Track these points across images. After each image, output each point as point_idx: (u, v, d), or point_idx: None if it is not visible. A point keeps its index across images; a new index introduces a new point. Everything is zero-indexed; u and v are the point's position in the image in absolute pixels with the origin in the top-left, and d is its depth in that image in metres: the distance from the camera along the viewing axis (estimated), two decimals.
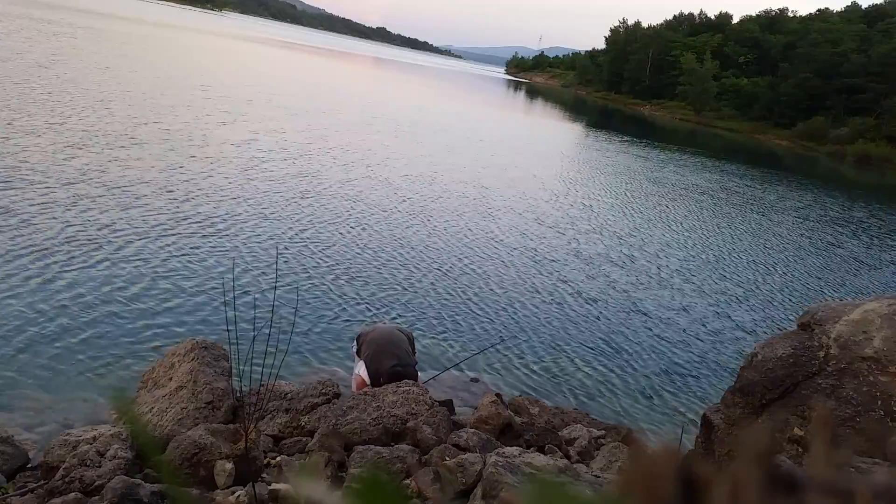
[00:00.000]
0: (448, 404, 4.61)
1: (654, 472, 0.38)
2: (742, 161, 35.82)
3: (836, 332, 2.65)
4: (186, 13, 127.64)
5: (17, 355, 4.82)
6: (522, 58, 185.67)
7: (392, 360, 4.53)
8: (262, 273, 7.31)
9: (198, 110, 16.90)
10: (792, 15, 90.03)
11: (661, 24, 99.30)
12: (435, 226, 10.80)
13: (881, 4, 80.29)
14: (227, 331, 4.57)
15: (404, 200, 12.08)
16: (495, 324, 7.38)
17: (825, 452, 0.41)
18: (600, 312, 8.39)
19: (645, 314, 8.66)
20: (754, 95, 72.47)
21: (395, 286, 7.82)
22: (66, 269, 6.33)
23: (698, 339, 8.20)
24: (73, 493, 2.90)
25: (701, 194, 20.53)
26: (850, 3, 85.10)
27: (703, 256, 12.46)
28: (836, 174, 40.13)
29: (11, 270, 6.03)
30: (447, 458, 3.22)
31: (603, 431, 4.84)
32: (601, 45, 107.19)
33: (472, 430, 3.77)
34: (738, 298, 10.17)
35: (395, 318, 6.86)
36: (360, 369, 4.60)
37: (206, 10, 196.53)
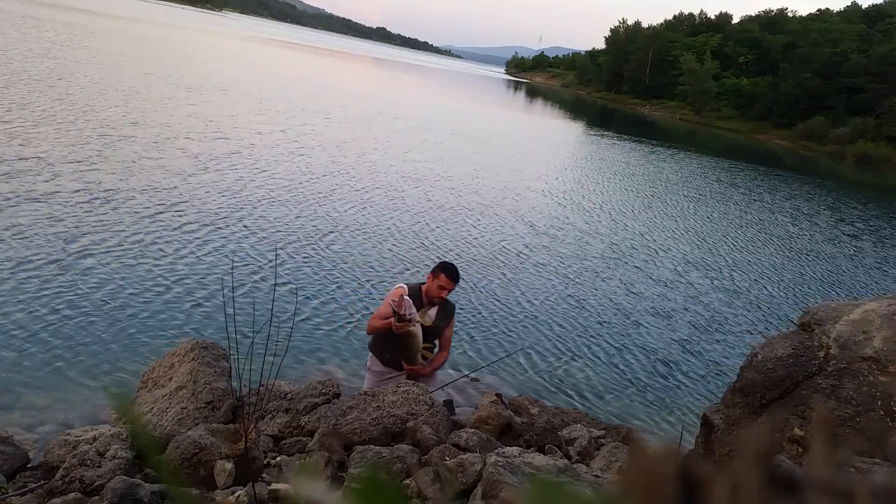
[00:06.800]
0: (448, 404, 4.61)
1: (654, 472, 0.38)
2: (742, 161, 35.84)
3: (836, 332, 2.65)
4: (186, 13, 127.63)
5: (17, 355, 4.82)
6: (522, 58, 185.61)
7: None
8: (262, 272, 7.31)
9: (195, 108, 16.90)
10: (792, 15, 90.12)
11: (661, 24, 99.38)
12: (436, 224, 10.80)
13: (881, 4, 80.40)
14: (227, 331, 4.57)
15: (407, 199, 12.08)
16: (498, 326, 7.38)
17: (825, 452, 0.41)
18: (600, 312, 8.39)
19: (644, 314, 8.66)
20: (754, 95, 72.49)
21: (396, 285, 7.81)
22: (66, 269, 6.33)
23: (698, 338, 8.20)
24: (73, 493, 2.90)
25: (700, 194, 20.54)
26: (850, 3, 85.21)
27: (703, 256, 12.46)
28: (836, 174, 40.14)
29: (10, 271, 6.03)
30: (447, 458, 3.22)
31: (603, 431, 4.84)
32: (601, 45, 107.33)
33: (472, 430, 3.77)
34: (738, 298, 10.17)
35: None
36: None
37: (205, 10, 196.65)
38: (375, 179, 13.32)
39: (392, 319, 3.98)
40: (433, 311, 4.33)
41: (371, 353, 4.58)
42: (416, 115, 28.17)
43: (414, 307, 4.03)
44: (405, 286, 4.35)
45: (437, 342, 4.41)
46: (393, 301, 4.01)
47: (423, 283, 4.38)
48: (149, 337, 5.49)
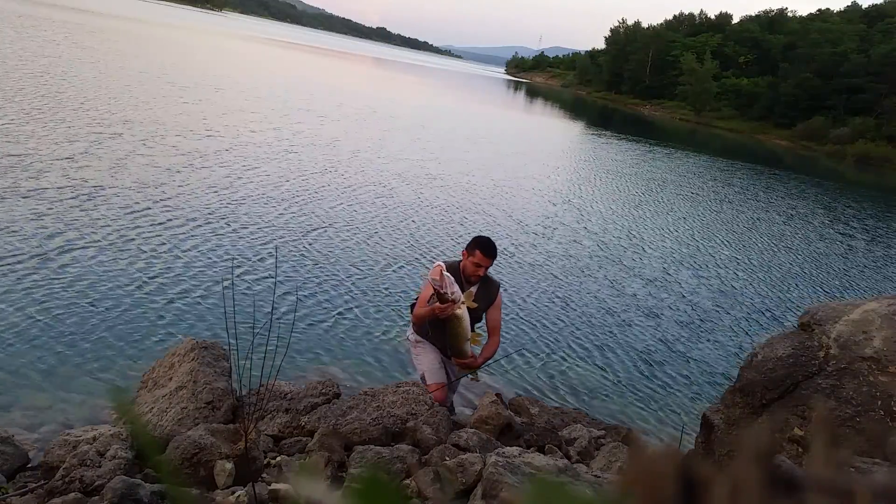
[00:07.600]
0: (448, 404, 4.61)
1: (654, 472, 0.38)
2: (742, 161, 35.84)
3: (836, 332, 2.65)
4: (186, 13, 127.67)
5: (16, 355, 4.82)
6: (522, 58, 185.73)
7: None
8: (262, 271, 7.31)
9: (195, 107, 16.90)
10: (792, 15, 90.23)
11: (661, 24, 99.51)
12: (439, 223, 10.80)
13: (881, 4, 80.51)
14: (227, 330, 4.57)
15: (406, 198, 12.08)
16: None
17: (825, 452, 0.41)
18: (600, 313, 8.39)
19: (644, 314, 8.66)
20: (754, 95, 72.52)
21: (397, 284, 7.82)
22: (65, 269, 6.32)
23: (698, 339, 8.20)
24: (73, 493, 2.90)
25: (701, 194, 20.54)
26: (850, 3, 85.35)
27: (703, 256, 12.46)
28: (836, 174, 40.14)
29: (10, 271, 6.03)
30: (447, 458, 3.22)
31: (603, 431, 4.84)
32: (601, 45, 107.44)
33: (472, 430, 3.77)
34: (738, 298, 10.17)
35: (396, 319, 6.85)
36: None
37: (205, 10, 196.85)
38: (373, 178, 13.31)
39: (435, 302, 3.51)
40: (473, 291, 3.95)
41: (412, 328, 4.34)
42: (415, 114, 28.17)
43: (457, 284, 3.58)
44: (443, 263, 3.93)
45: (479, 329, 4.05)
46: (433, 280, 3.51)
47: (462, 261, 4.02)
48: (149, 337, 5.49)
